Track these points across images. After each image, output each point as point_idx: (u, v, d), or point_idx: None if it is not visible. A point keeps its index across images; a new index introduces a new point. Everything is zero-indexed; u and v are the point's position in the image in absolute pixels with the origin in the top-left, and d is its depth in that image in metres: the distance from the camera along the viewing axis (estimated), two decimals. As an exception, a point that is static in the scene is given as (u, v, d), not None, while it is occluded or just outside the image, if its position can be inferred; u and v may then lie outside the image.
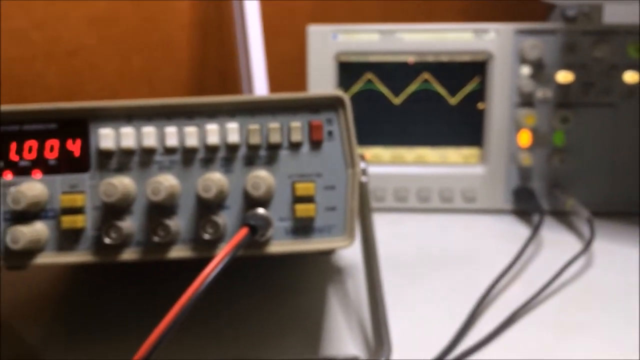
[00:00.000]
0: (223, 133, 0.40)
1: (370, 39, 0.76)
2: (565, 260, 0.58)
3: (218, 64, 1.00)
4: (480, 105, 0.76)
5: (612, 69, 0.73)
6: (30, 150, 0.41)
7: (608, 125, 0.74)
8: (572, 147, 0.74)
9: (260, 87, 0.87)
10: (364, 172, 0.49)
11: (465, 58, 0.76)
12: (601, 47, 0.71)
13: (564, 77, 0.73)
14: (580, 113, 0.74)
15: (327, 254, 0.55)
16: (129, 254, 0.40)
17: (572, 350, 0.45)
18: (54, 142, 0.41)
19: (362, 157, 0.49)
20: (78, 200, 0.40)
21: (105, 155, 0.40)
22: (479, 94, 0.76)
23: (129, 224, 0.40)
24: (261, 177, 0.39)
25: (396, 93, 0.77)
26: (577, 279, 0.57)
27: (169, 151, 0.40)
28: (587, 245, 0.62)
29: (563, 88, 0.73)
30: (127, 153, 0.40)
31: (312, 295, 0.54)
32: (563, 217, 0.74)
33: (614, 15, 0.92)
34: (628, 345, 0.45)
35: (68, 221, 0.40)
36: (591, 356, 0.44)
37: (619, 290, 0.54)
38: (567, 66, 0.73)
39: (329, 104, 0.41)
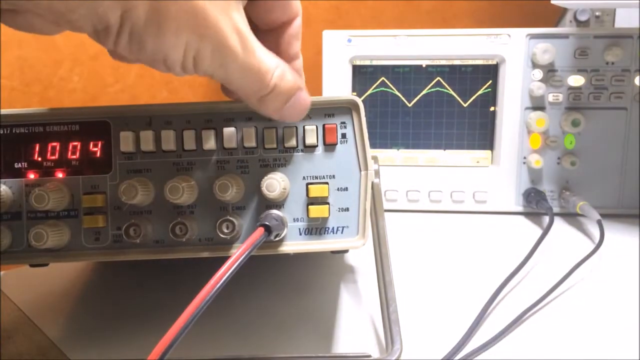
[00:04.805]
0: (240, 136, 0.41)
1: (384, 43, 0.76)
2: (575, 261, 0.59)
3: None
4: (491, 108, 0.77)
5: (623, 73, 0.73)
6: (53, 151, 0.42)
7: (619, 129, 0.74)
8: (582, 150, 0.75)
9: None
10: (376, 173, 0.50)
11: (478, 62, 0.76)
12: (613, 51, 0.72)
13: (575, 80, 0.74)
14: (592, 116, 0.74)
15: (341, 253, 0.56)
16: (147, 253, 0.42)
17: (579, 350, 0.45)
18: (77, 144, 0.42)
19: (375, 159, 0.49)
20: (99, 200, 0.41)
21: (126, 157, 0.42)
22: (491, 97, 0.77)
23: (148, 223, 0.41)
24: (276, 178, 0.40)
25: (409, 96, 0.78)
26: (586, 281, 0.57)
27: (188, 153, 0.42)
28: (597, 247, 0.62)
29: (574, 91, 0.74)
30: (147, 155, 0.42)
31: (325, 294, 0.55)
32: (573, 219, 0.75)
33: (626, 19, 0.93)
34: (633, 346, 0.46)
35: (89, 220, 0.41)
36: (597, 356, 0.44)
37: (628, 292, 0.55)
38: (578, 70, 0.73)
39: (344, 108, 0.42)
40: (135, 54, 0.33)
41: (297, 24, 0.41)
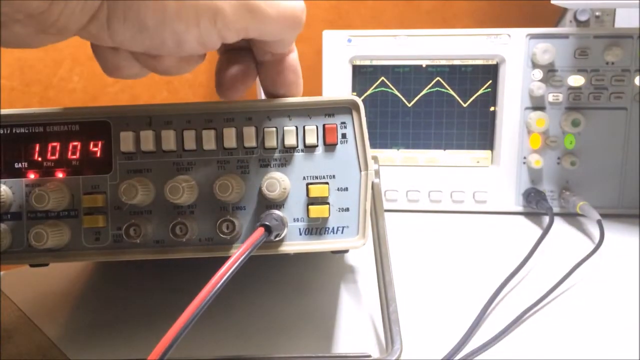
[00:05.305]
0: (240, 135, 0.41)
1: (384, 43, 0.76)
2: (575, 261, 0.59)
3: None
4: (491, 108, 0.77)
5: (623, 73, 0.73)
6: (53, 151, 0.42)
7: (619, 129, 0.74)
8: (582, 150, 0.75)
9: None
10: (376, 173, 0.50)
11: (477, 62, 0.76)
12: (613, 51, 0.72)
13: (575, 80, 0.74)
14: (592, 116, 0.74)
15: (341, 253, 0.56)
16: (147, 253, 0.41)
17: (579, 350, 0.45)
18: (77, 144, 0.42)
19: (375, 159, 0.49)
20: (99, 200, 0.41)
21: (126, 157, 0.42)
22: (491, 97, 0.77)
23: (149, 223, 0.41)
24: (276, 178, 0.40)
25: (409, 96, 0.78)
26: (586, 281, 0.57)
27: (188, 153, 0.41)
28: (597, 247, 0.62)
29: (574, 91, 0.74)
30: (147, 155, 0.42)
31: (325, 294, 0.55)
32: (573, 219, 0.75)
33: (626, 19, 0.93)
34: (633, 346, 0.46)
35: (89, 220, 0.41)
36: (597, 356, 0.44)
37: (628, 292, 0.55)
38: (578, 70, 0.74)
39: (344, 108, 0.42)
40: (137, 35, 0.32)
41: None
